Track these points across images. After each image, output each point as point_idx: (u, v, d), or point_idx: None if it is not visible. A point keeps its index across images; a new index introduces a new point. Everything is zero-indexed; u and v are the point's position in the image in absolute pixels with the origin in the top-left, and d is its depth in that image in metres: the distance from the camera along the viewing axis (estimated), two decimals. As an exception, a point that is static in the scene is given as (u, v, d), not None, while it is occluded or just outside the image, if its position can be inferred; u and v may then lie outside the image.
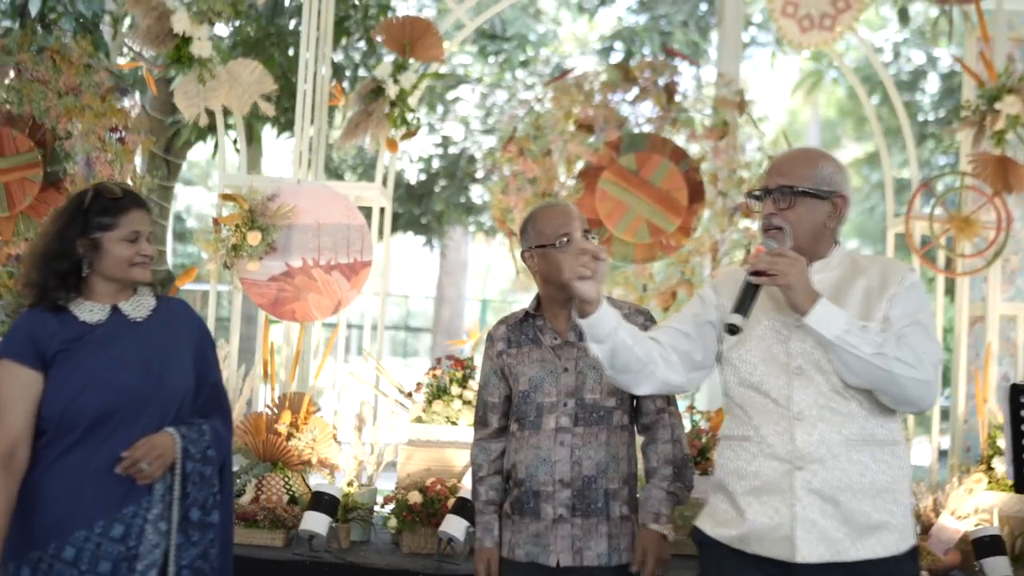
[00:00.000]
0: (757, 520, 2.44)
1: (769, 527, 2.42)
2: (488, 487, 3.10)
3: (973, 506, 4.41)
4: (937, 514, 4.42)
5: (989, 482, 4.53)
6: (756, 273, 2.40)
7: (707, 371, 2.67)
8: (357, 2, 7.63)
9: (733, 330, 2.38)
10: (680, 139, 5.39)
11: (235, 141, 5.55)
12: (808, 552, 2.38)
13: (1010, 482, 3.19)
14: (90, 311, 2.71)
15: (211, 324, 4.95)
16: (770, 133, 5.67)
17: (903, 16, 5.88)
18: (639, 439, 3.13)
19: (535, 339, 3.07)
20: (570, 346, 3.03)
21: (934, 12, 7.74)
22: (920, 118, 12.97)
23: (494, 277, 23.31)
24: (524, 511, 3.00)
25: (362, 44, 8.08)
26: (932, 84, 13.53)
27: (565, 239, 2.99)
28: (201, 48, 5.00)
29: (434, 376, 4.72)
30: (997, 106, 4.86)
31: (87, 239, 2.69)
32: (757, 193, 2.60)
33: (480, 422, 3.16)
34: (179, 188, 15.62)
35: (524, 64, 11.11)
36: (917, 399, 2.38)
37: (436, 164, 11.81)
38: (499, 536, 3.07)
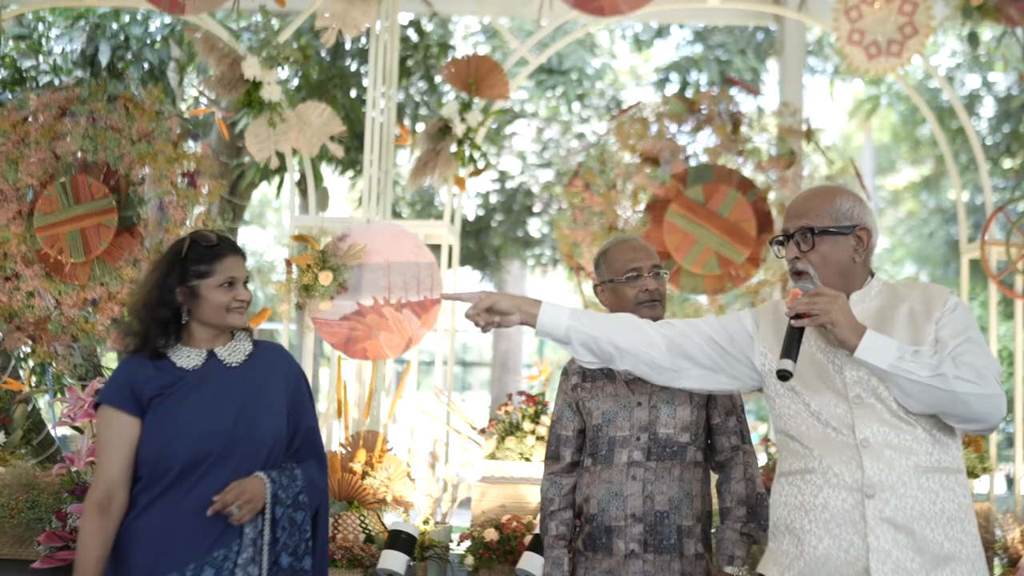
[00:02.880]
0: (830, 554, 2.36)
1: (844, 561, 2.35)
2: (559, 522, 3.08)
3: (1063, 538, 4.30)
4: (1026, 546, 4.31)
5: (1079, 513, 4.42)
6: (797, 316, 2.36)
7: (699, 369, 2.60)
8: (418, 42, 7.72)
9: (785, 376, 2.34)
10: (746, 169, 5.37)
11: (298, 183, 5.62)
12: None
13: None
14: (187, 356, 2.75)
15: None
16: (836, 161, 5.63)
17: (973, 40, 5.82)
18: (715, 477, 3.10)
19: (609, 373, 3.06)
20: (644, 381, 3.02)
21: (987, 36, 7.66)
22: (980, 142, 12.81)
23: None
24: (596, 547, 2.97)
25: (422, 83, 8.17)
26: (988, 108, 13.36)
27: (633, 274, 3.00)
28: (271, 92, 5.09)
29: (506, 412, 4.72)
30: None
31: (185, 287, 2.73)
32: (780, 239, 2.56)
33: (552, 456, 3.15)
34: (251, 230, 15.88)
35: (580, 98, 11.16)
36: (985, 415, 2.32)
37: (493, 199, 11.86)
38: (569, 571, 3.04)
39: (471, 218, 11.69)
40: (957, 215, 5.51)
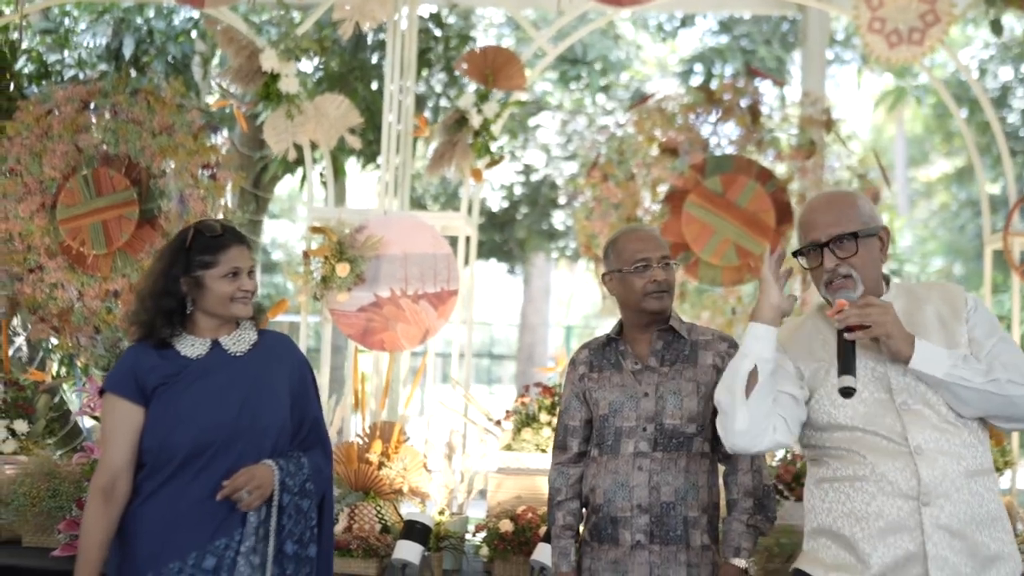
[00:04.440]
0: (886, 563, 2.34)
1: (902, 569, 2.33)
2: (566, 512, 3.08)
3: (1085, 532, 4.24)
4: (1047, 540, 4.25)
5: (1104, 507, 4.35)
6: (849, 329, 2.35)
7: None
8: (438, 34, 7.73)
9: (849, 393, 2.32)
10: (766, 159, 5.33)
11: (321, 174, 5.65)
12: None
13: None
14: (191, 345, 2.77)
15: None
16: (857, 151, 5.58)
17: (996, 27, 5.75)
18: (722, 469, 3.08)
19: (616, 364, 3.05)
20: (651, 371, 3.00)
21: (1019, 29, 7.57)
22: (1008, 134, 12.65)
23: (577, 303, 23.27)
24: (603, 537, 2.97)
25: (443, 75, 8.18)
26: (1020, 100, 13.20)
27: (642, 264, 2.98)
28: (289, 84, 5.11)
29: (523, 404, 4.71)
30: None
31: (190, 277, 2.75)
32: (805, 250, 2.51)
33: (560, 446, 3.14)
34: (265, 221, 15.94)
35: (604, 89, 11.12)
36: None
37: (518, 191, 11.87)
38: (576, 562, 3.04)
39: (495, 210, 11.70)
40: (978, 207, 5.45)
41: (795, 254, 2.55)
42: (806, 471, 4.07)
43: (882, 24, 5.14)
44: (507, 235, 11.84)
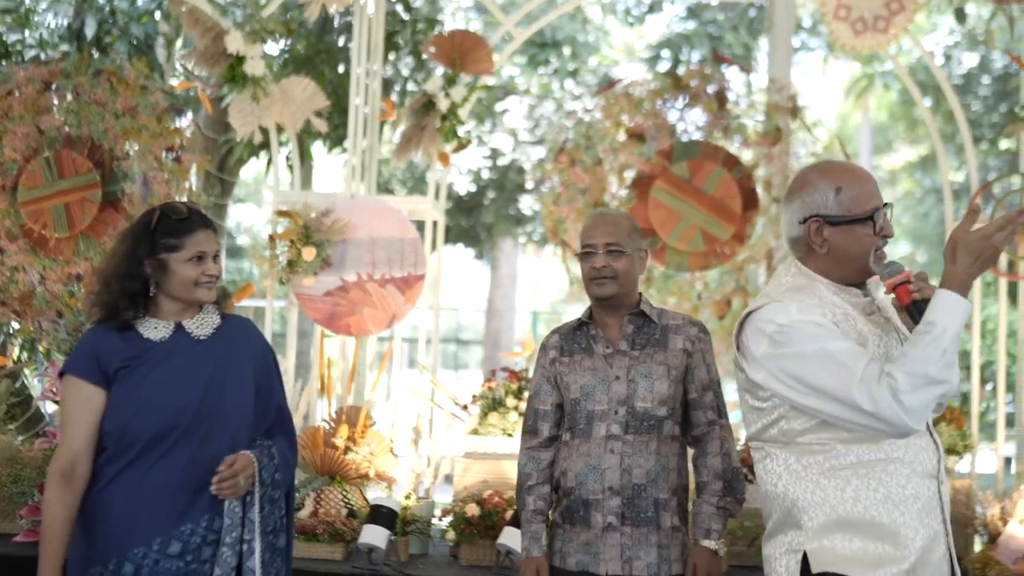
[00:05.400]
0: (929, 546, 2.26)
1: (935, 550, 2.28)
2: (536, 496, 3.09)
3: (1042, 514, 4.31)
4: (1005, 522, 4.32)
5: (1057, 490, 4.43)
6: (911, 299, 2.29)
7: None
8: (406, 17, 7.69)
9: None
10: (732, 146, 5.35)
11: (288, 158, 5.61)
12: (956, 568, 2.32)
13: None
14: (154, 328, 2.74)
15: (269, 340, 5.00)
16: (822, 138, 5.61)
17: (960, 16, 5.81)
18: (692, 452, 3.11)
19: (587, 348, 3.07)
20: (622, 354, 3.02)
21: (987, 14, 7.63)
22: (976, 120, 12.77)
23: (545, 288, 23.29)
24: (574, 520, 2.99)
25: (410, 59, 8.14)
26: (985, 87, 13.32)
27: (588, 250, 3.02)
28: (254, 67, 5.07)
29: (489, 388, 4.72)
30: (1057, 105, 4.77)
31: (154, 260, 2.72)
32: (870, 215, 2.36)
33: (530, 431, 3.15)
34: (230, 205, 15.82)
35: (572, 74, 11.12)
36: None
37: (485, 176, 11.85)
38: (548, 545, 3.06)
39: (463, 195, 11.67)
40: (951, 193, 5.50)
41: (853, 220, 2.34)
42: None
43: (847, 12, 5.17)
44: (474, 220, 11.82)
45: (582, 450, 3.00)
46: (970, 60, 13.50)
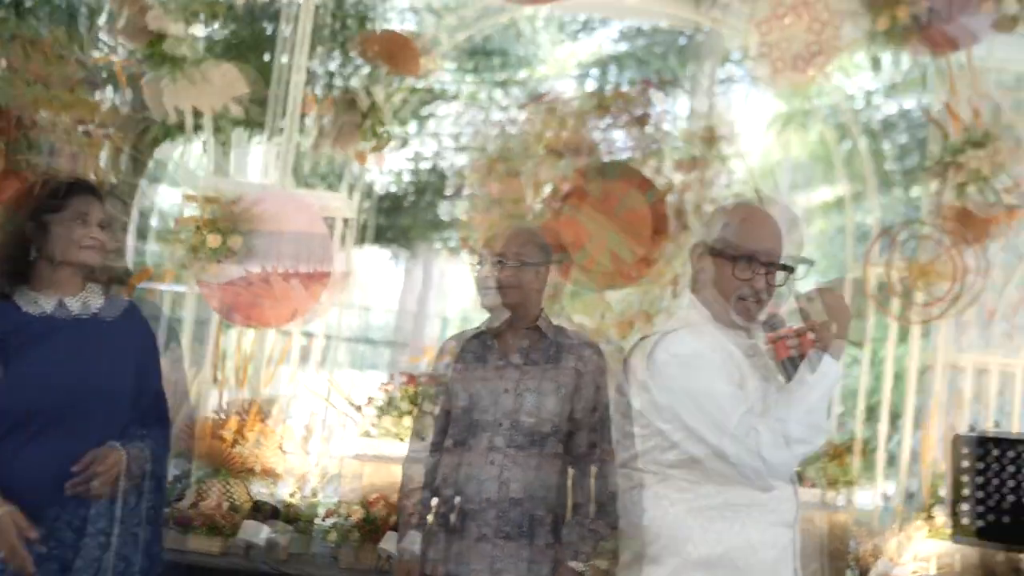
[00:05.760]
0: None
1: None
2: (416, 501, 3.09)
3: (912, 553, 4.43)
4: (876, 559, 4.44)
5: (929, 530, 4.56)
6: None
7: None
8: (337, 12, 7.62)
9: None
10: (649, 170, 5.41)
11: (205, 142, 5.52)
12: None
13: (948, 531, 3.21)
14: (34, 302, 2.64)
15: (164, 327, 4.90)
16: (740, 170, 5.69)
17: (875, 64, 5.96)
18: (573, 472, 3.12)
19: (482, 357, 3.08)
20: (514, 367, 3.04)
21: (906, 64, 7.84)
22: (890, 167, 13.09)
23: (457, 295, 23.23)
24: (450, 528, 2.99)
25: (338, 54, 8.06)
26: (903, 133, 13.66)
27: (484, 260, 3.04)
28: (175, 47, 4.97)
29: (386, 391, 4.70)
30: (960, 159, 4.92)
31: (35, 221, 2.61)
32: (741, 258, 2.37)
33: (416, 435, 3.15)
34: (153, 187, 15.51)
35: (502, 84, 11.14)
36: None
37: (408, 179, 11.79)
38: (422, 552, 3.05)
39: (384, 195, 11.59)
40: (863, 235, 5.63)
41: (723, 255, 2.37)
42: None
43: (769, 49, 5.27)
44: (393, 221, 11.74)
45: (464, 459, 3.00)
46: (891, 106, 13.84)
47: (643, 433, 2.33)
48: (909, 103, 13.25)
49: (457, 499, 2.96)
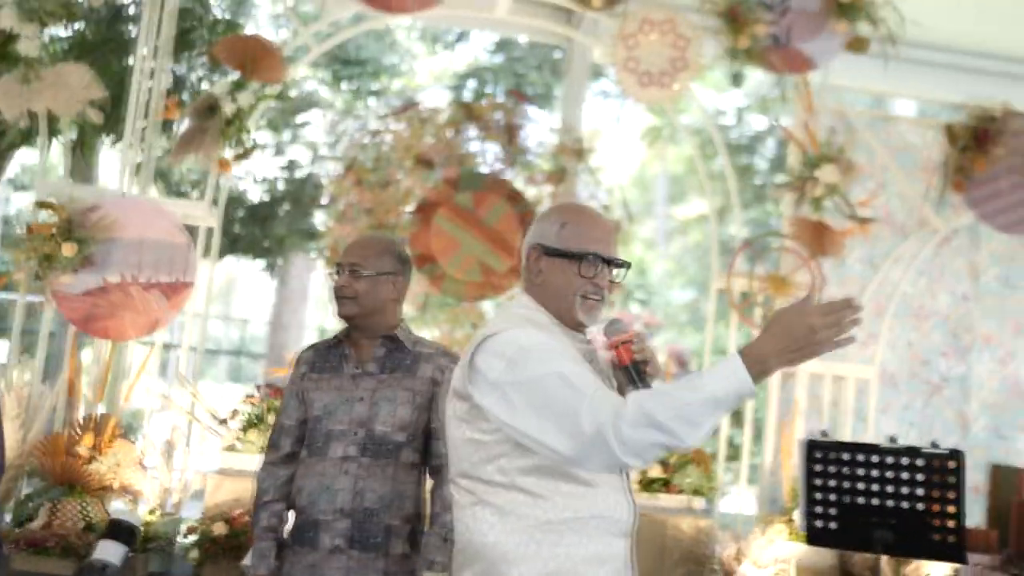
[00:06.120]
0: None
1: None
2: (270, 513, 3.02)
3: (773, 556, 4.55)
4: (739, 562, 4.54)
5: (789, 533, 4.69)
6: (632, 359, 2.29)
7: None
8: (202, 17, 7.45)
9: None
10: (518, 181, 5.45)
11: (62, 146, 5.32)
12: None
13: (804, 534, 3.30)
14: None
15: (17, 337, 4.70)
16: (606, 183, 5.78)
17: (736, 80, 6.14)
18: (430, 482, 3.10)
19: (337, 366, 3.03)
20: (369, 376, 3.00)
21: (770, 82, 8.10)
22: (758, 181, 13.53)
23: (332, 305, 22.91)
24: (303, 540, 2.93)
25: (205, 59, 7.88)
26: (769, 148, 14.14)
27: (336, 269, 3.01)
28: (28, 47, 4.79)
29: (252, 404, 4.59)
30: (817, 174, 5.10)
31: None
32: (588, 257, 2.33)
33: (272, 445, 3.08)
34: (12, 193, 14.90)
35: (376, 94, 11.08)
36: None
37: (281, 188, 11.61)
38: (278, 565, 2.98)
39: (255, 203, 11.38)
40: (726, 248, 5.78)
41: (565, 255, 2.32)
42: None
43: (636, 64, 5.37)
44: (266, 231, 11.53)
45: (317, 469, 2.95)
46: (759, 121, 14.31)
47: (488, 439, 2.23)
48: (769, 121, 13.74)
49: (310, 510, 2.91)
